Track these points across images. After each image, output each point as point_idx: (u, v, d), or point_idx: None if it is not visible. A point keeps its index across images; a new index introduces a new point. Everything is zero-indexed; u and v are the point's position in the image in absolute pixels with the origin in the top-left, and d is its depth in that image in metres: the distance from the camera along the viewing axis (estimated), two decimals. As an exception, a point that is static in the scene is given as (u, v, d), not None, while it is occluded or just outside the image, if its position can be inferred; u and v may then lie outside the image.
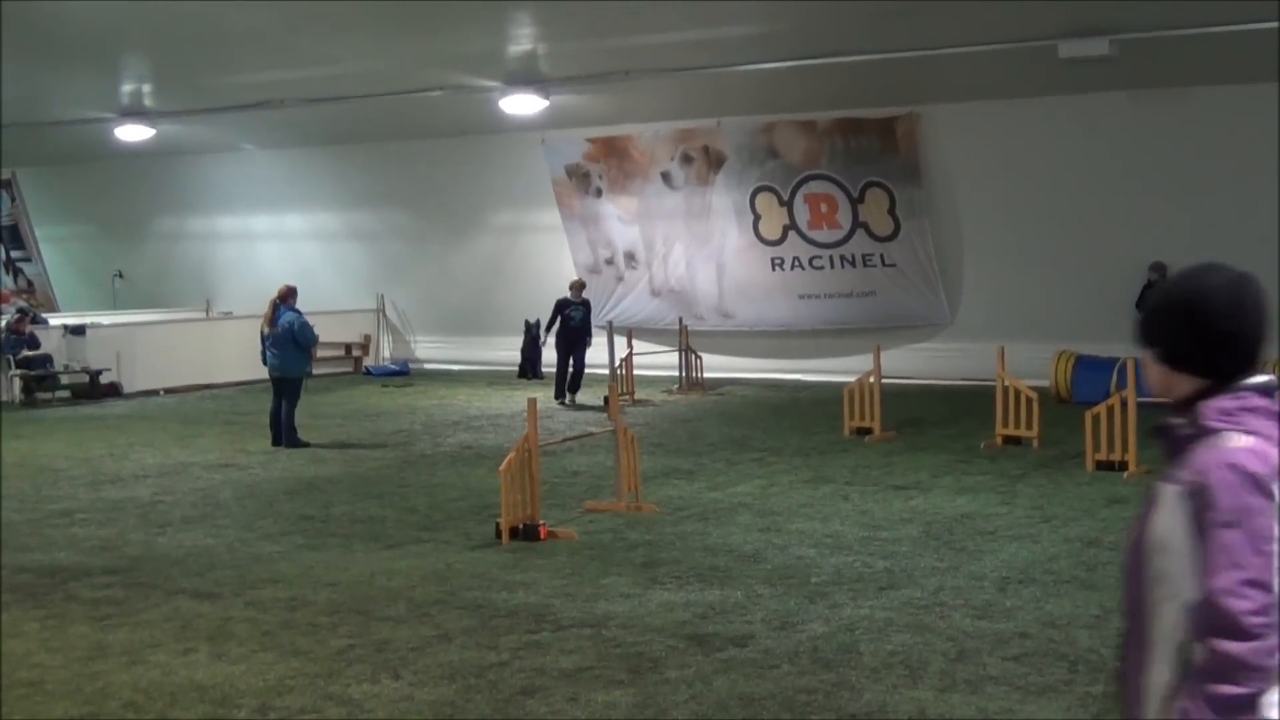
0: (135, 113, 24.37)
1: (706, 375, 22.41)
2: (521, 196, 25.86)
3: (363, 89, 21.79)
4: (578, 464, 14.42)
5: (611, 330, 20.36)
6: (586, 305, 21.73)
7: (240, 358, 22.35)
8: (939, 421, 17.31)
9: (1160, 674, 2.87)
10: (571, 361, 21.22)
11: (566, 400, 20.89)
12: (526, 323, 24.96)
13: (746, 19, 17.57)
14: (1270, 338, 3.04)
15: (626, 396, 20.39)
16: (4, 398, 22.06)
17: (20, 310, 25.00)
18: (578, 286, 21.94)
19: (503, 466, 10.69)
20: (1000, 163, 21.57)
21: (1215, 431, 2.89)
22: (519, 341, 25.13)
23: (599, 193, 24.96)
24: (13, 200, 32.64)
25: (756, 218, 23.67)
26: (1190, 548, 2.84)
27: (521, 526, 10.65)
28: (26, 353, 22.41)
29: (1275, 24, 16.11)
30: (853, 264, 23.05)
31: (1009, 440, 15.32)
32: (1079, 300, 21.20)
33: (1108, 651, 7.39)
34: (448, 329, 27.49)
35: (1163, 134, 20.22)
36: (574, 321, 21.24)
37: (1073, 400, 18.77)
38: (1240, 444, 2.85)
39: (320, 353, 20.94)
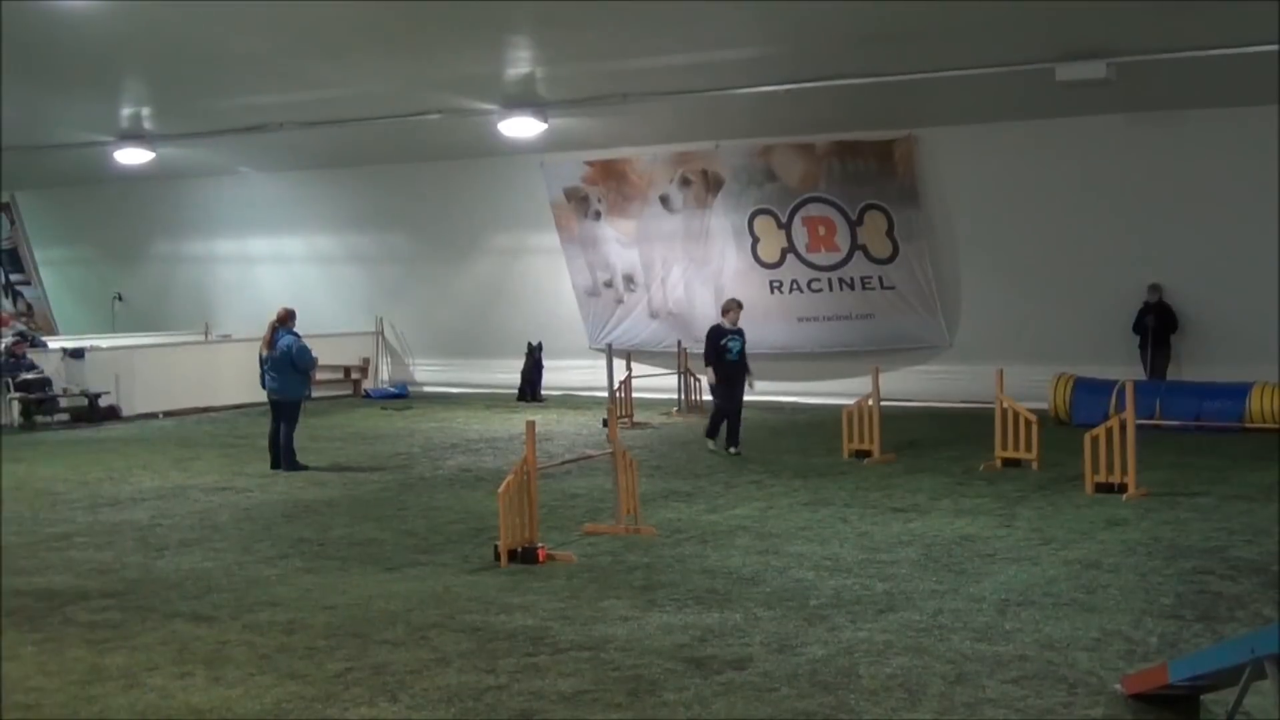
0: (134, 136, 24.40)
1: (705, 398, 22.38)
2: (520, 219, 25.90)
3: (361, 112, 21.85)
4: (576, 486, 14.40)
5: (610, 353, 20.39)
6: (742, 334, 17.62)
7: (239, 381, 22.34)
8: (938, 444, 17.31)
9: None
10: (729, 400, 17.39)
11: (717, 446, 17.36)
12: (529, 344, 25.00)
13: (744, 43, 17.61)
14: None
15: (625, 419, 20.38)
16: (3, 421, 22.04)
17: (19, 334, 24.99)
18: (734, 309, 17.68)
19: (501, 489, 10.68)
20: (998, 185, 21.61)
21: None
22: (518, 364, 25.15)
23: (598, 215, 25.00)
24: (12, 223, 32.67)
25: (755, 240, 23.70)
26: None
27: (520, 549, 10.64)
28: (25, 376, 22.40)
29: (1272, 47, 16.16)
30: (851, 286, 23.07)
31: (1008, 462, 15.33)
32: (1077, 322, 21.24)
33: (1108, 674, 7.38)
34: (446, 352, 27.50)
35: (1160, 156, 20.27)
36: (732, 354, 17.30)
37: (1072, 422, 18.81)
38: None
39: (319, 375, 20.93)
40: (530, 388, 24.95)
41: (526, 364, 25.01)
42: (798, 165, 22.94)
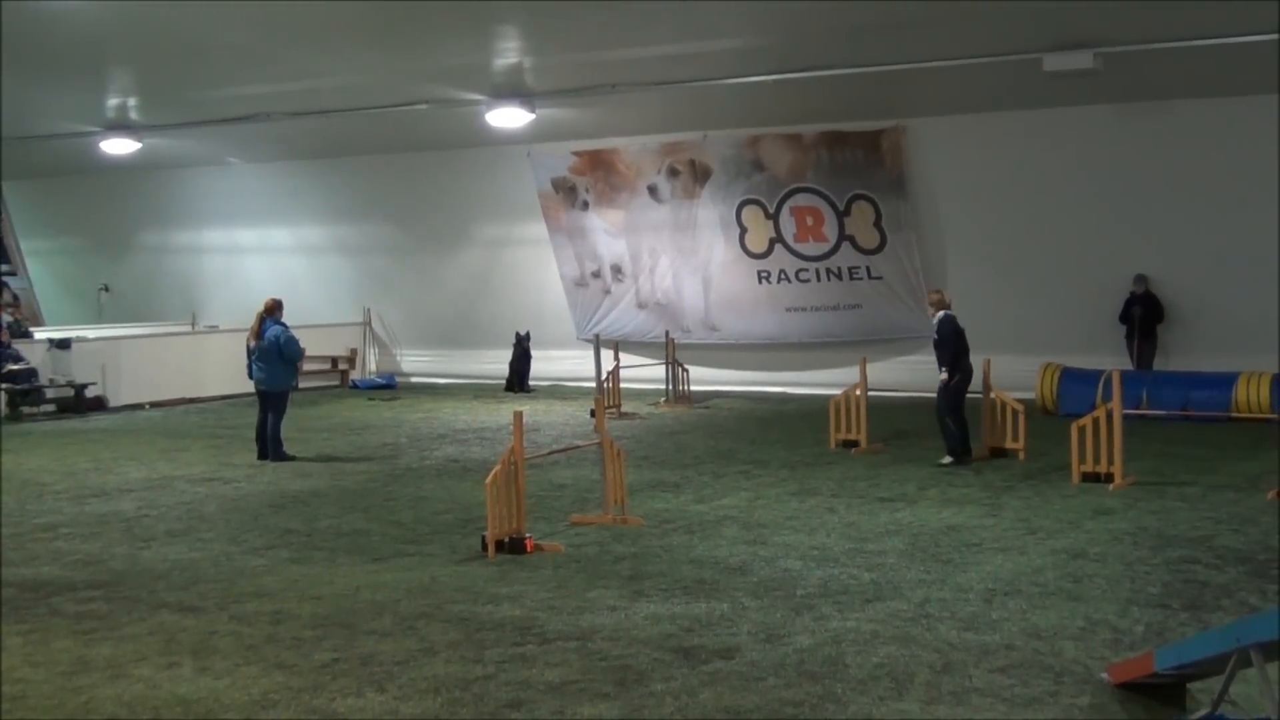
0: (121, 126, 24.34)
1: (693, 388, 22.41)
2: (508, 209, 25.88)
3: (349, 103, 21.80)
4: (564, 477, 14.41)
5: (598, 343, 20.37)
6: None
7: (226, 371, 22.34)
8: (925, 434, 17.30)
9: None
10: (959, 408, 15.14)
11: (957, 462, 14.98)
12: (517, 334, 24.97)
13: (732, 33, 17.60)
14: None
15: (613, 409, 20.39)
16: (-8, 412, 22.00)
17: (4, 324, 24.89)
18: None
19: (488, 479, 10.67)
20: (986, 176, 21.65)
21: None
22: (505, 355, 25.13)
23: (585, 206, 24.98)
24: (-3, 214, 32.59)
25: (743, 231, 23.71)
26: None
27: (507, 539, 10.63)
28: (11, 367, 22.32)
29: (1258, 37, 16.21)
30: (839, 277, 23.10)
31: (995, 452, 15.38)
32: (1064, 313, 21.29)
33: (1094, 663, 7.40)
34: (434, 342, 27.49)
35: (1147, 147, 20.32)
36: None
37: (1058, 412, 18.85)
38: None
39: (306, 366, 20.90)
40: (518, 378, 24.92)
41: (515, 354, 24.99)
42: (786, 156, 22.94)
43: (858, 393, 16.37)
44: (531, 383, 25.03)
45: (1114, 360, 19.66)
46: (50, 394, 22.77)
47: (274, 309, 16.72)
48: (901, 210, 22.20)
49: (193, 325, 28.47)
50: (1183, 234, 20.35)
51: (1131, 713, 6.66)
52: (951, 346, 15.04)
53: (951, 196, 22.03)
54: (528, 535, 10.74)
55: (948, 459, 14.92)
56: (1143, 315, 20.45)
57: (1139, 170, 20.48)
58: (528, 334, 25.01)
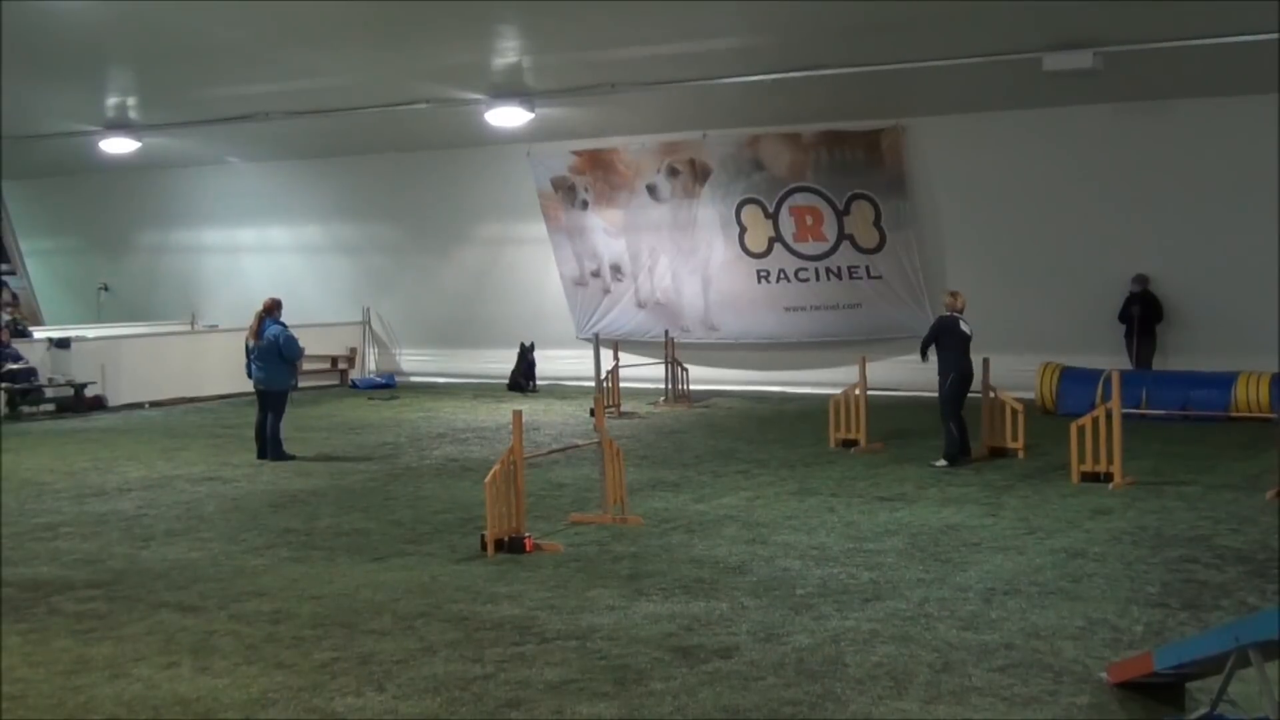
0: (120, 125, 24.33)
1: (692, 387, 22.42)
2: (507, 209, 25.88)
3: (348, 102, 21.79)
4: (563, 476, 14.41)
5: (597, 342, 20.38)
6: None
7: (225, 371, 22.31)
8: (924, 433, 17.31)
9: None
10: (957, 410, 15.04)
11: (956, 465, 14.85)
12: (522, 345, 24.88)
13: (732, 32, 17.60)
14: None
15: (612, 408, 20.38)
16: (-9, 412, 22.00)
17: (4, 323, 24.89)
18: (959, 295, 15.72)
19: (488, 479, 10.67)
20: (985, 175, 21.64)
21: None
22: (505, 354, 25.13)
23: (585, 205, 24.97)
24: (-3, 213, 32.57)
25: (742, 230, 23.71)
26: None
27: (507, 539, 10.64)
28: (10, 366, 22.32)
29: (1258, 37, 16.21)
30: (838, 276, 23.09)
31: (995, 452, 15.38)
32: (1064, 312, 21.29)
33: (1093, 662, 7.40)
34: (433, 342, 27.49)
35: (1146, 147, 20.31)
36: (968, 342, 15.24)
37: (1058, 412, 18.86)
38: None
39: (306, 366, 20.90)
40: (521, 382, 24.75)
41: (518, 365, 24.78)
42: (785, 155, 22.93)
43: (857, 392, 16.38)
44: (538, 384, 24.94)
45: (1113, 360, 19.66)
46: (50, 393, 22.77)
47: (273, 308, 16.72)
48: (901, 209, 22.19)
49: (192, 325, 28.47)
50: (1183, 234, 20.35)
51: (1130, 712, 6.66)
52: (930, 340, 15.30)
53: (951, 196, 22.02)
54: (527, 535, 10.74)
55: (941, 461, 14.91)
56: (1142, 315, 20.45)
57: (1139, 170, 20.48)
58: (532, 345, 24.93)
